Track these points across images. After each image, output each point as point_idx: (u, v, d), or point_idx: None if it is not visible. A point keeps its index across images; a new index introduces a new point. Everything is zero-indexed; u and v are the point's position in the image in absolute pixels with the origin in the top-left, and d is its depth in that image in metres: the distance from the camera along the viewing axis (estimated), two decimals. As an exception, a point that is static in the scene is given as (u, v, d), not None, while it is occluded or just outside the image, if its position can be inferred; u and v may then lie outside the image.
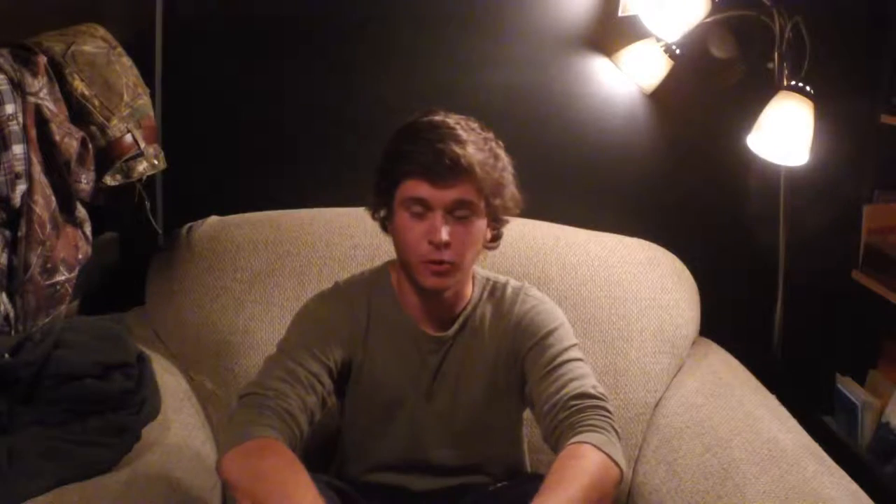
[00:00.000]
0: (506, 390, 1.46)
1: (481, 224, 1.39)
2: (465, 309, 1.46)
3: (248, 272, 1.79)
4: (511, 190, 1.41)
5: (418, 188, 1.33)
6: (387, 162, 1.38)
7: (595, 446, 1.25)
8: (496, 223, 1.43)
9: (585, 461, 1.23)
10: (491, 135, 1.40)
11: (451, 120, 1.37)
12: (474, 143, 1.34)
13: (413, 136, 1.35)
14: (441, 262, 1.34)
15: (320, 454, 1.57)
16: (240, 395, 1.33)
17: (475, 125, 1.38)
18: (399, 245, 1.39)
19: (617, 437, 1.29)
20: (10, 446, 1.25)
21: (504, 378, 1.45)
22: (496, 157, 1.38)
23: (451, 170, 1.31)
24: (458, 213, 1.34)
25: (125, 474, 1.31)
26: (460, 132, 1.34)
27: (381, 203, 1.41)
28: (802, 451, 1.47)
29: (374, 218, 1.45)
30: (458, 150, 1.31)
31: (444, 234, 1.32)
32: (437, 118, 1.37)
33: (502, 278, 1.51)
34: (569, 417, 1.31)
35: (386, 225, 1.44)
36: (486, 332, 1.46)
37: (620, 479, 1.26)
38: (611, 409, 1.33)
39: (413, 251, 1.35)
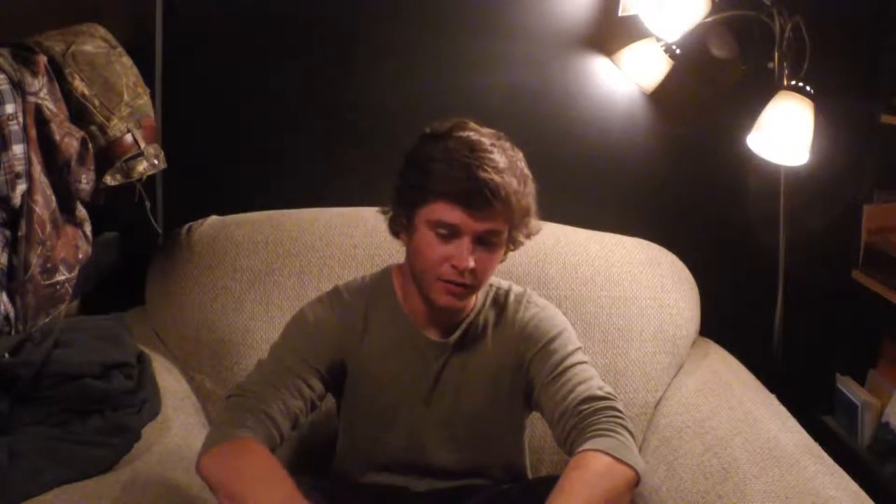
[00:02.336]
0: (508, 397, 1.46)
1: (502, 250, 1.38)
2: (467, 315, 1.45)
3: (248, 272, 1.78)
4: (534, 217, 1.39)
5: (451, 213, 1.29)
6: (416, 175, 1.33)
7: (602, 452, 1.24)
8: (513, 245, 1.42)
9: (589, 472, 1.22)
10: (520, 154, 1.36)
11: (486, 140, 1.32)
12: (510, 171, 1.31)
13: (447, 154, 1.30)
14: (461, 285, 1.33)
15: (320, 456, 1.57)
16: (224, 397, 1.34)
17: (507, 145, 1.34)
18: (416, 260, 1.35)
19: (629, 436, 1.29)
20: (10, 446, 1.25)
21: (507, 385, 1.45)
22: (526, 182, 1.35)
23: (487, 200, 1.28)
24: (486, 240, 1.32)
25: (125, 474, 1.31)
26: (497, 157, 1.29)
27: (401, 212, 1.37)
28: (802, 451, 1.47)
29: (389, 221, 1.42)
30: (497, 179, 1.27)
31: (471, 262, 1.30)
32: (472, 136, 1.32)
33: (504, 283, 1.51)
34: (579, 423, 1.31)
35: (397, 231, 1.41)
36: (489, 339, 1.45)
37: (636, 478, 1.25)
38: (620, 407, 1.33)
39: (432, 270, 1.33)
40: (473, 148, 1.30)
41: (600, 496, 1.19)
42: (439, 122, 1.36)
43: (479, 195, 1.27)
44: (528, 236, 1.42)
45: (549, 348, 1.41)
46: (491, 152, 1.30)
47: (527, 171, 1.36)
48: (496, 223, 1.31)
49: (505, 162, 1.30)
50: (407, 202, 1.35)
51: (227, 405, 1.32)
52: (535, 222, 1.40)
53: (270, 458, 1.23)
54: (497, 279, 1.51)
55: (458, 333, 1.44)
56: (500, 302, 1.48)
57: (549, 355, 1.40)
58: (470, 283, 1.33)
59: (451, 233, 1.31)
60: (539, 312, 1.46)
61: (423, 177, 1.31)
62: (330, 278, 1.56)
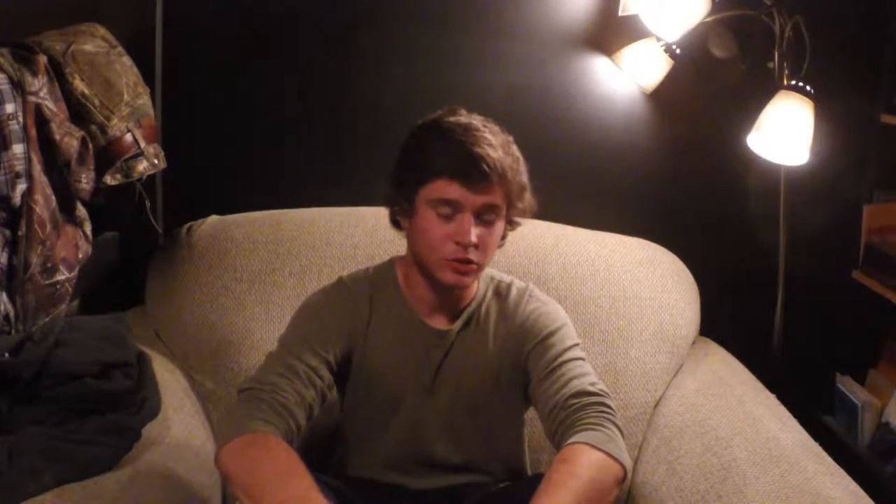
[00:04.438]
0: (508, 389, 1.46)
1: (502, 226, 1.40)
2: (469, 304, 1.46)
3: (248, 272, 1.79)
4: (529, 195, 1.43)
5: (449, 189, 1.33)
6: (412, 158, 1.38)
7: (590, 445, 1.25)
8: (510, 225, 1.45)
9: (576, 464, 1.23)
10: (510, 137, 1.41)
11: (478, 121, 1.37)
12: (503, 148, 1.35)
13: (443, 135, 1.35)
14: (467, 262, 1.35)
15: (320, 452, 1.57)
16: (239, 390, 1.34)
17: (496, 128, 1.39)
18: (420, 242, 1.38)
19: (618, 432, 1.29)
20: (10, 446, 1.25)
21: (507, 377, 1.46)
22: (518, 161, 1.40)
23: (484, 174, 1.32)
24: (486, 216, 1.35)
25: (125, 473, 1.31)
26: (489, 135, 1.35)
27: (402, 198, 1.40)
28: (802, 451, 1.47)
29: (390, 211, 1.45)
30: (493, 154, 1.32)
31: (474, 236, 1.33)
32: (463, 119, 1.37)
33: (507, 277, 1.52)
34: (567, 418, 1.32)
35: (398, 220, 1.44)
36: (490, 330, 1.46)
37: (623, 474, 1.26)
38: (611, 404, 1.34)
39: (437, 250, 1.35)
40: (467, 128, 1.35)
41: (587, 487, 1.19)
42: (430, 114, 1.41)
43: (476, 169, 1.31)
44: (524, 215, 1.44)
45: (546, 343, 1.42)
46: (483, 131, 1.35)
47: (518, 153, 1.41)
48: (494, 197, 1.35)
49: (497, 140, 1.35)
50: (407, 185, 1.38)
51: (243, 398, 1.31)
52: (530, 200, 1.44)
53: (289, 452, 1.22)
54: (499, 273, 1.53)
55: (460, 322, 1.45)
56: (502, 294, 1.49)
57: (547, 350, 1.41)
58: (476, 259, 1.35)
59: (452, 209, 1.34)
60: (540, 307, 1.47)
61: (421, 158, 1.36)
62: (330, 278, 1.56)
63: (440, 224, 1.34)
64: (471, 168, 1.31)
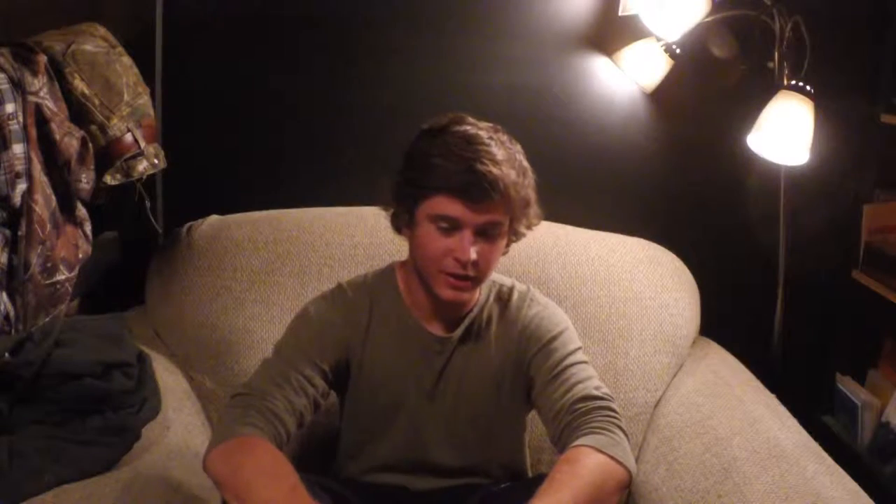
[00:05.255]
0: (510, 394, 1.46)
1: (504, 241, 1.39)
2: (470, 311, 1.46)
3: (248, 272, 1.78)
4: (535, 207, 1.41)
5: (450, 206, 1.31)
6: (414, 170, 1.35)
7: (595, 448, 1.24)
8: (515, 236, 1.43)
9: (579, 465, 1.23)
10: (518, 147, 1.38)
11: (484, 133, 1.33)
12: (508, 162, 1.32)
13: (446, 149, 1.31)
14: (464, 278, 1.34)
15: (320, 454, 1.57)
16: (230, 396, 1.34)
17: (504, 138, 1.36)
18: (419, 255, 1.37)
19: (623, 436, 1.29)
20: (10, 445, 1.25)
21: (509, 382, 1.45)
22: (524, 173, 1.37)
23: (487, 192, 1.29)
24: (487, 232, 1.34)
25: (125, 474, 1.31)
26: (494, 150, 1.31)
27: (402, 208, 1.38)
28: (802, 451, 1.47)
29: (392, 218, 1.43)
30: (495, 171, 1.29)
31: (473, 253, 1.32)
32: (470, 130, 1.33)
33: (508, 281, 1.52)
34: (573, 421, 1.32)
35: (400, 227, 1.42)
36: (492, 336, 1.46)
37: (628, 478, 1.25)
38: (616, 408, 1.34)
39: (435, 264, 1.34)
40: (471, 141, 1.31)
41: (589, 489, 1.19)
42: (437, 118, 1.38)
43: (478, 188, 1.29)
44: (530, 227, 1.43)
45: (549, 347, 1.42)
46: (489, 145, 1.31)
47: (525, 163, 1.38)
48: (496, 215, 1.33)
49: (503, 154, 1.32)
50: (408, 198, 1.36)
51: (232, 403, 1.32)
52: (535, 212, 1.42)
53: (276, 453, 1.23)
54: (500, 276, 1.52)
55: (461, 329, 1.44)
56: (504, 299, 1.48)
57: (550, 354, 1.41)
58: (473, 275, 1.34)
59: (452, 226, 1.32)
60: (541, 311, 1.47)
61: (422, 172, 1.33)
62: (330, 278, 1.57)
63: (440, 238, 1.33)
64: (472, 186, 1.29)
